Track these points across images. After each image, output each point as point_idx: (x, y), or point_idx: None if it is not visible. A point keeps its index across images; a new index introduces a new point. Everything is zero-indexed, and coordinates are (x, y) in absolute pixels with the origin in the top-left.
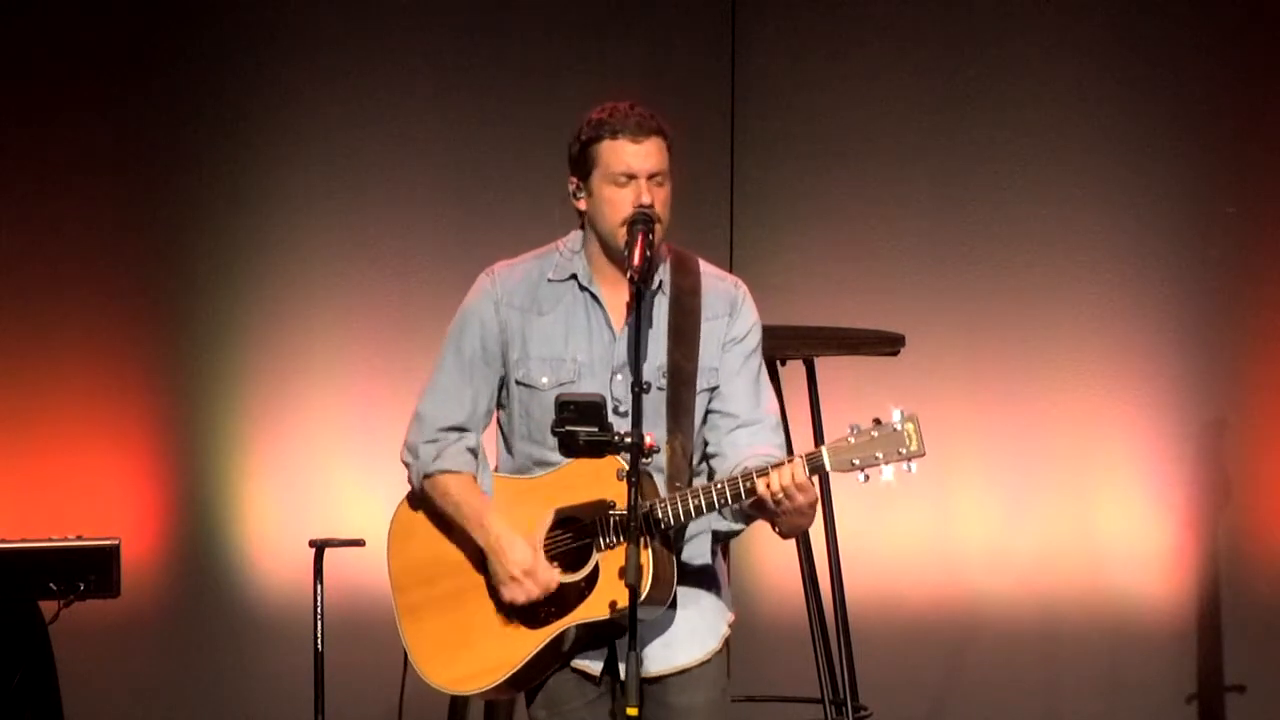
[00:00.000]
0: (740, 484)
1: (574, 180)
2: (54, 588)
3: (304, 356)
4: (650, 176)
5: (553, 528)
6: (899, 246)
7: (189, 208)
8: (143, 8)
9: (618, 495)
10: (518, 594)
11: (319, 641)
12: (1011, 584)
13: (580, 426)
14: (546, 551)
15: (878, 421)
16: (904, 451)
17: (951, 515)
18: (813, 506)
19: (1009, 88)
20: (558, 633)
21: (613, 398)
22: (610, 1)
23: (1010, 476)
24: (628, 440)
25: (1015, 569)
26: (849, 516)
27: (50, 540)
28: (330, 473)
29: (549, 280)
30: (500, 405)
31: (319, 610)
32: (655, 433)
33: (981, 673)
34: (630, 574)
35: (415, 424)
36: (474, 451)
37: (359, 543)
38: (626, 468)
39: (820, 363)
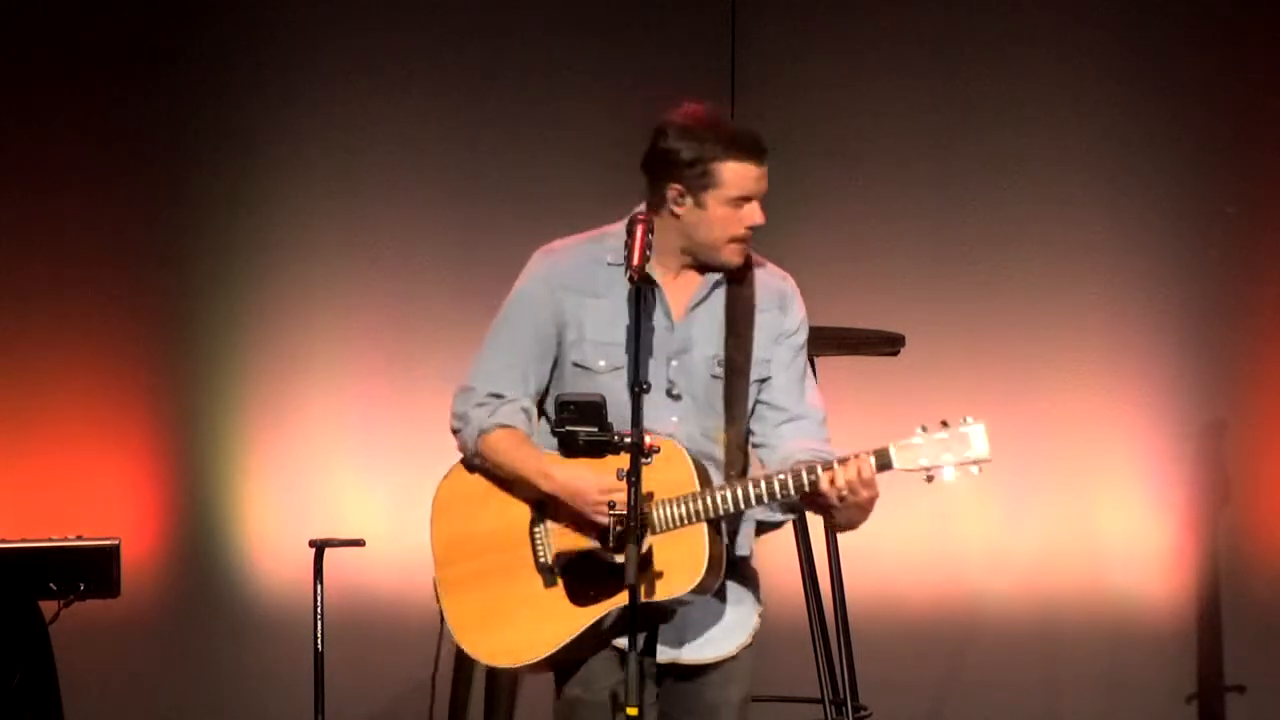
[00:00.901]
0: (804, 477)
1: (677, 188)
2: (54, 588)
3: (304, 356)
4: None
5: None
6: (899, 246)
7: (189, 208)
8: (143, 8)
9: (657, 485)
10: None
11: (319, 641)
12: (1011, 584)
13: (580, 426)
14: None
15: (945, 424)
16: (971, 455)
17: (951, 515)
18: (874, 502)
19: (1009, 88)
20: (602, 614)
21: (668, 382)
22: (610, 1)
23: (1010, 476)
24: (627, 440)
25: (1015, 569)
26: None
27: (50, 540)
28: (330, 473)
29: (608, 264)
30: (548, 389)
31: (319, 610)
32: (713, 422)
33: (981, 673)
34: (630, 574)
35: (463, 394)
36: (528, 414)
37: (359, 543)
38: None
39: (820, 363)
